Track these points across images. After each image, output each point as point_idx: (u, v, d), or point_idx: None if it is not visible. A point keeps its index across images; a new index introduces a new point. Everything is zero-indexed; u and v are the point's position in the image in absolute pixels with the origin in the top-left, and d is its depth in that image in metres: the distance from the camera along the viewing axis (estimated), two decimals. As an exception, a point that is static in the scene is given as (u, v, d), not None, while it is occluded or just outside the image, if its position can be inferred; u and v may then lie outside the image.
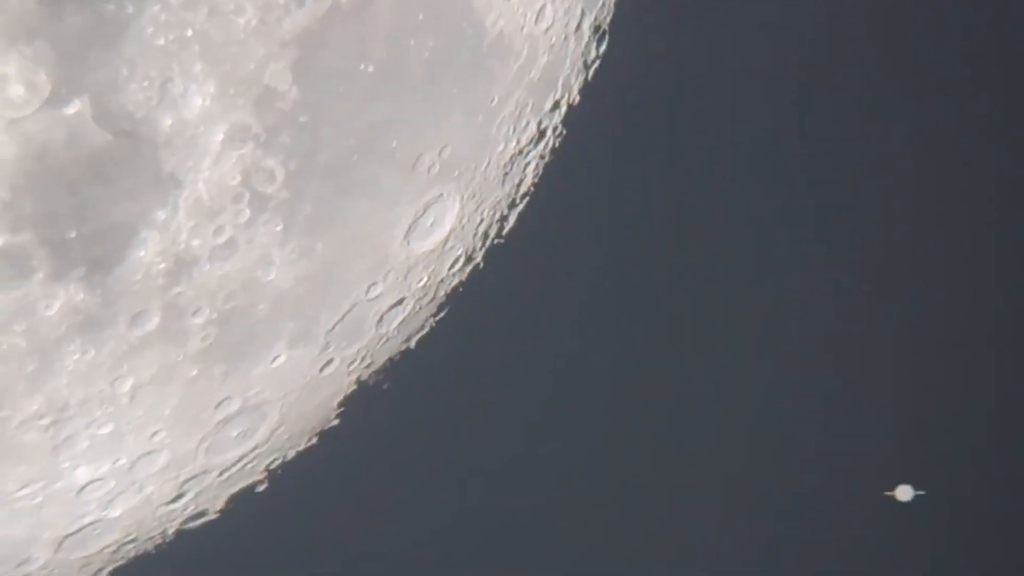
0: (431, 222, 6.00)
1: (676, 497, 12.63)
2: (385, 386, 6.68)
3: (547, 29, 5.97)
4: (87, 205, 5.21)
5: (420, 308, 6.42)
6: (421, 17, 5.47)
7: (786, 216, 12.57)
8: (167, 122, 5.09)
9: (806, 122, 12.49)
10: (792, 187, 12.63)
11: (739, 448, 12.83)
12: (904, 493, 11.50)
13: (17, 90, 5.01)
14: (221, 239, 5.42)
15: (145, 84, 5.06)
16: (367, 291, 5.96)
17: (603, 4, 6.62)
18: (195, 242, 5.35)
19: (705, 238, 12.63)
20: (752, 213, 12.54)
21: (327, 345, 6.03)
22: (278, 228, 5.46)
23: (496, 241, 6.53)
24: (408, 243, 5.98)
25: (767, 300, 12.73)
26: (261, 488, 6.72)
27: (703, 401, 12.74)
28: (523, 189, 6.51)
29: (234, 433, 6.05)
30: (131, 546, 6.59)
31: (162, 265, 5.33)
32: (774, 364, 12.82)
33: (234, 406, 5.89)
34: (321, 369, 6.14)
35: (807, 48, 12.15)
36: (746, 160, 12.31)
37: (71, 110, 5.03)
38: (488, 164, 6.17)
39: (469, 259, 6.50)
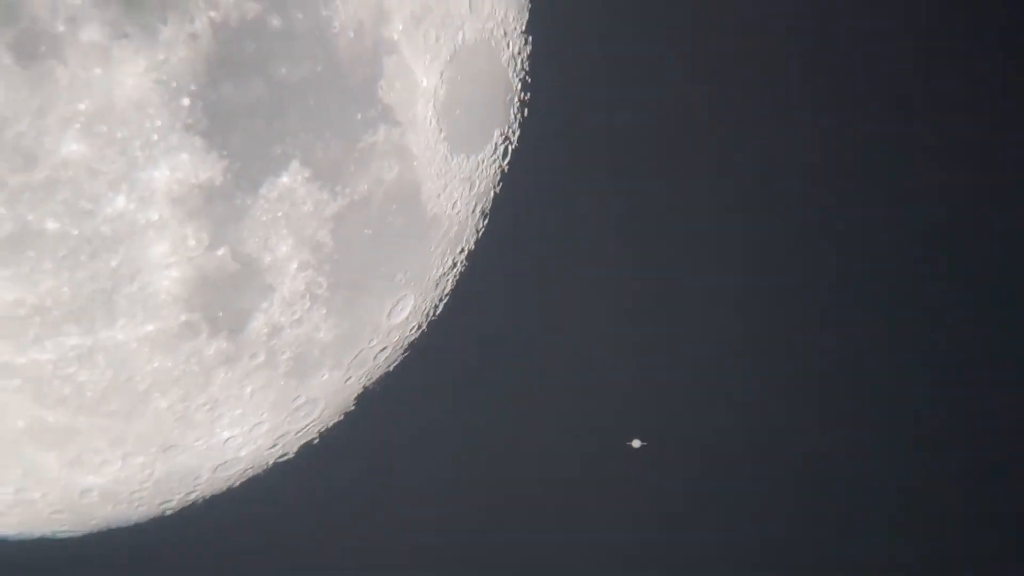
0: (401, 308, 8.28)
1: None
2: (378, 390, 8.69)
3: (457, 212, 8.22)
4: (228, 299, 7.54)
5: (396, 351, 8.60)
6: (394, 207, 7.75)
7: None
8: (268, 259, 7.48)
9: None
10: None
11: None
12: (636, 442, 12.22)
13: (192, 242, 7.24)
14: (295, 317, 7.76)
15: (256, 240, 7.45)
16: (369, 342, 8.26)
17: (491, 194, 8.60)
18: (283, 318, 7.73)
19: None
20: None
21: (348, 370, 8.26)
22: (324, 311, 7.87)
23: (432, 318, 8.67)
24: (389, 319, 8.25)
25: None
26: (316, 441, 8.77)
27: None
28: (446, 291, 8.65)
29: (302, 414, 8.35)
30: (249, 472, 8.66)
31: (265, 329, 7.73)
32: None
33: (301, 400, 8.23)
34: (346, 382, 8.39)
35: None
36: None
37: (219, 252, 7.35)
38: (427, 280, 8.36)
39: (419, 328, 8.68)
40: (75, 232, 6.98)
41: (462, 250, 8.36)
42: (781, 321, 14.90)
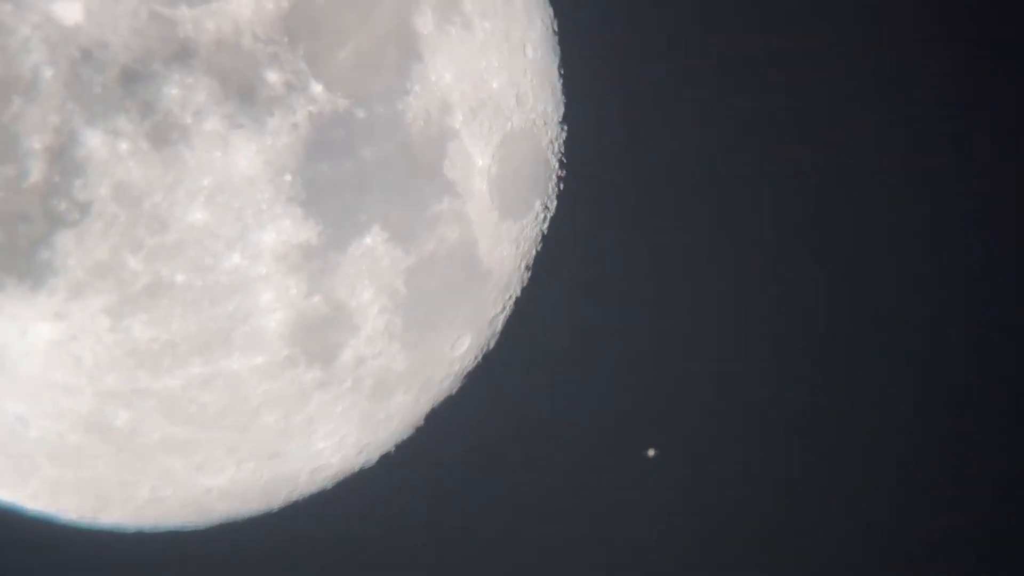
0: (461, 343, 8.36)
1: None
2: (442, 410, 8.73)
3: (506, 266, 8.43)
4: (321, 337, 7.68)
5: (456, 379, 8.69)
6: (455, 262, 7.94)
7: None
8: (353, 304, 7.64)
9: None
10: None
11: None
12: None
13: (293, 291, 7.40)
14: (376, 350, 7.83)
15: (345, 289, 7.63)
16: (435, 371, 8.34)
17: (533, 251, 8.65)
18: (366, 352, 7.79)
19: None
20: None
21: (418, 394, 8.32)
22: (398, 346, 7.86)
23: (486, 351, 8.77)
24: (451, 352, 8.30)
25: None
26: (392, 451, 8.84)
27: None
28: (497, 329, 8.82)
29: (381, 429, 8.41)
30: (339, 475, 8.72)
31: (352, 361, 7.81)
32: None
33: (380, 417, 8.23)
34: (416, 403, 8.45)
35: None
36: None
37: (315, 299, 7.51)
38: (482, 321, 8.50)
39: (475, 359, 8.71)
40: (199, 283, 7.20)
41: (510, 296, 8.47)
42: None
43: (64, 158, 6.72)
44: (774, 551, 13.48)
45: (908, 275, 13.73)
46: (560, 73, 8.54)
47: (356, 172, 7.32)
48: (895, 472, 13.54)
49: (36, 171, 6.73)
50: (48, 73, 6.70)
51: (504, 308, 8.54)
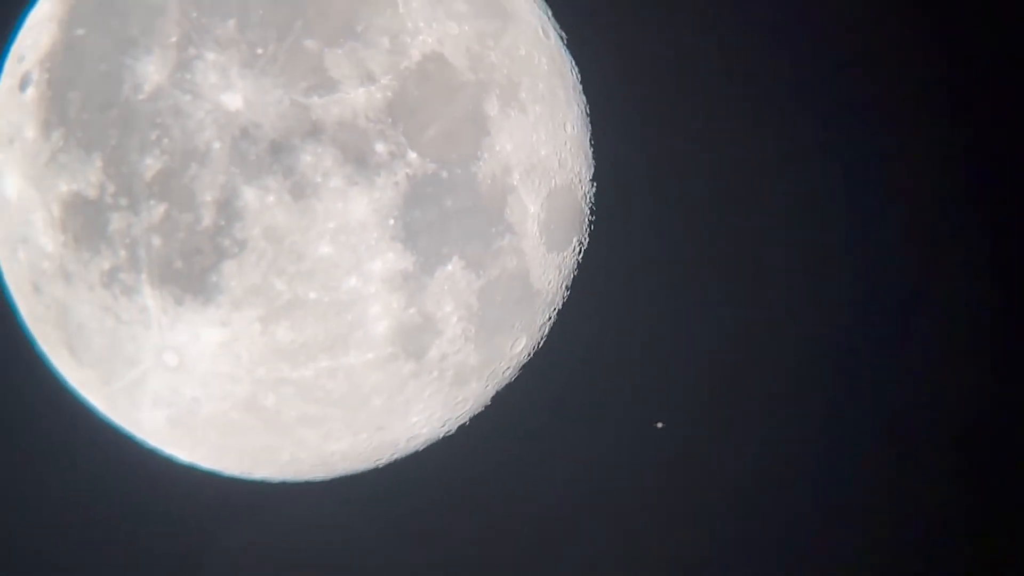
0: (518, 343, 8.27)
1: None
2: (505, 393, 8.61)
3: (551, 286, 8.24)
4: (415, 339, 7.69)
5: (515, 370, 8.56)
6: (514, 284, 7.89)
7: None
8: (439, 315, 7.67)
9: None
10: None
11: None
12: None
13: (395, 305, 7.43)
14: (455, 349, 7.78)
15: (433, 304, 7.57)
16: (499, 364, 8.30)
17: (571, 275, 8.56)
18: (448, 350, 7.73)
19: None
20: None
21: (487, 381, 8.29)
22: (472, 346, 7.81)
23: (537, 349, 8.61)
24: (511, 350, 8.27)
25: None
26: (467, 423, 8.75)
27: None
28: (545, 333, 8.60)
29: (460, 408, 8.34)
30: (428, 441, 8.65)
31: (438, 357, 7.75)
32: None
33: (459, 399, 8.15)
34: (485, 388, 8.38)
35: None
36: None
37: (411, 311, 7.52)
38: (534, 327, 8.40)
39: (529, 355, 8.57)
40: (326, 299, 7.27)
41: (554, 309, 8.45)
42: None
43: (228, 208, 6.89)
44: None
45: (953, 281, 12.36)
46: (591, 144, 8.52)
47: (441, 217, 7.29)
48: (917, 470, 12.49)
49: (207, 217, 6.90)
50: (216, 146, 6.89)
51: (550, 318, 8.48)
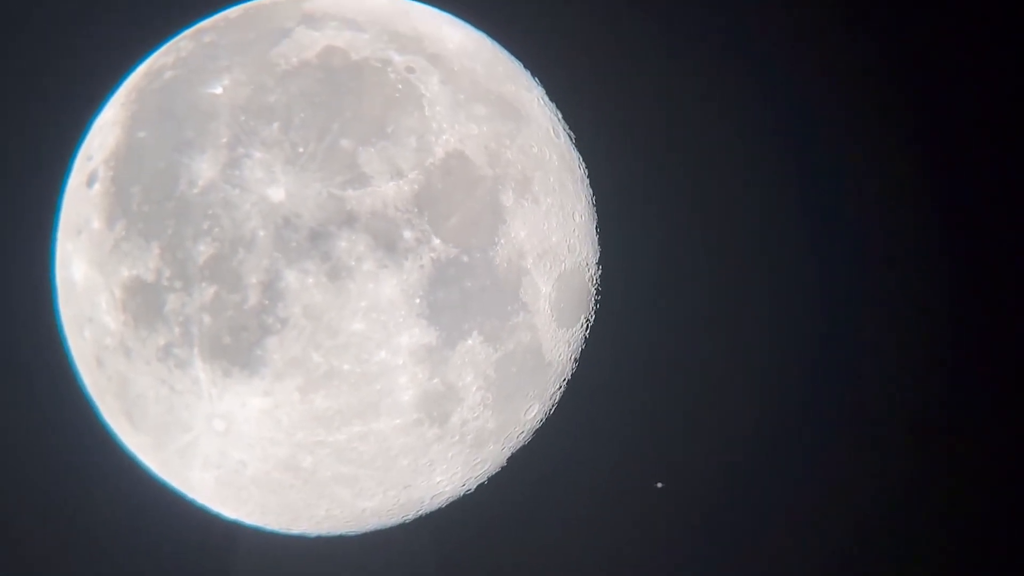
0: (531, 410, 8.18)
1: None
2: (519, 455, 8.47)
3: (561, 359, 8.19)
4: (439, 406, 7.65)
5: (528, 434, 8.43)
6: (527, 356, 7.83)
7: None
8: (460, 384, 7.60)
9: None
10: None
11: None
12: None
13: (420, 376, 7.39)
14: (475, 416, 7.72)
15: (454, 374, 7.54)
16: (514, 429, 8.16)
17: (579, 349, 8.49)
18: (468, 416, 7.68)
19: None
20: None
21: (503, 444, 8.18)
22: (490, 413, 7.75)
23: (548, 415, 8.47)
24: (525, 416, 8.17)
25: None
26: (485, 482, 8.61)
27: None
28: (555, 401, 8.44)
29: (479, 468, 8.26)
30: (450, 499, 8.53)
31: (459, 422, 7.69)
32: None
33: (478, 460, 8.09)
34: (502, 450, 8.28)
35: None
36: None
37: (434, 381, 7.52)
38: (545, 395, 8.27)
39: (541, 421, 8.45)
40: (358, 370, 7.30)
41: (564, 380, 8.42)
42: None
43: (271, 289, 6.96)
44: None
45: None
46: (597, 231, 8.56)
47: (462, 297, 7.30)
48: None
49: (253, 297, 6.99)
50: (261, 233, 7.01)
51: (560, 387, 8.43)
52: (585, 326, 8.54)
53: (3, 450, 10.55)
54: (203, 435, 7.46)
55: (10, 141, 10.00)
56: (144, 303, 7.17)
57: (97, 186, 7.52)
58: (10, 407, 10.40)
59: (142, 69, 7.97)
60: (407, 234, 7.11)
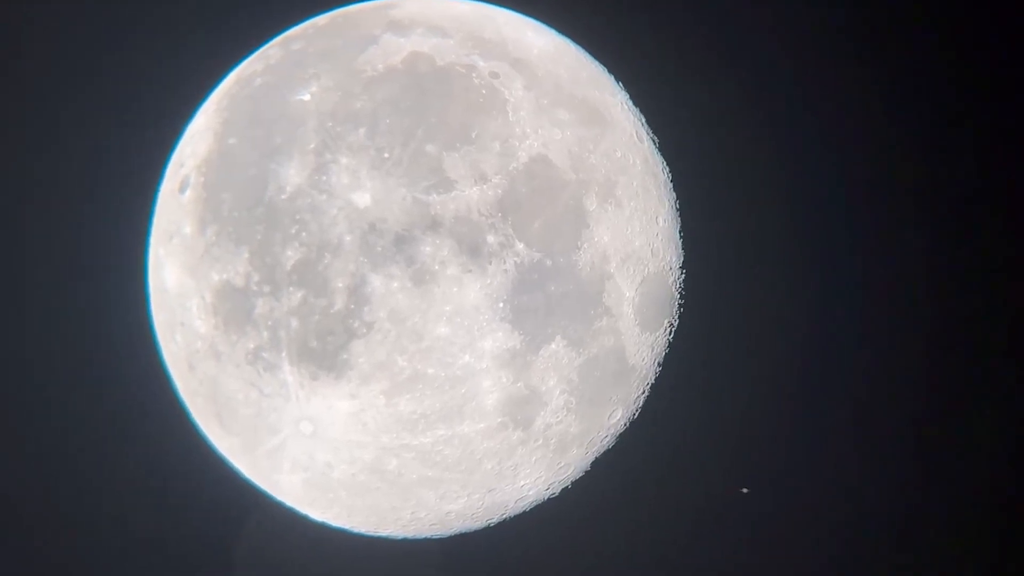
0: (615, 415, 8.08)
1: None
2: (602, 459, 8.36)
3: (644, 363, 8.08)
4: (522, 410, 7.66)
5: (612, 438, 8.34)
6: (610, 360, 7.78)
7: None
8: (543, 388, 7.59)
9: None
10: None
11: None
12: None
13: (504, 380, 7.43)
14: (558, 419, 7.70)
15: (538, 378, 7.53)
16: (598, 433, 8.09)
17: (663, 353, 8.34)
18: (552, 420, 7.66)
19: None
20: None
21: (587, 448, 8.12)
22: (573, 417, 7.71)
23: (632, 420, 8.36)
24: (608, 420, 8.09)
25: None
26: (569, 486, 8.52)
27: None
28: (639, 406, 8.32)
29: (563, 472, 8.16)
30: (535, 502, 8.50)
31: (543, 426, 7.68)
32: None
33: (562, 465, 8.00)
34: (586, 455, 8.21)
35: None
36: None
37: (518, 385, 7.50)
38: (629, 399, 8.20)
39: (624, 425, 8.34)
40: (443, 374, 7.32)
41: (647, 383, 8.35)
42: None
43: (357, 293, 7.01)
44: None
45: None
46: (680, 235, 8.50)
47: (545, 301, 7.31)
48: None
49: (339, 302, 7.04)
50: (348, 238, 7.08)
51: (643, 391, 8.37)
52: (668, 330, 8.46)
53: (99, 451, 10.67)
54: (291, 438, 7.51)
55: (106, 148, 10.13)
56: (234, 307, 7.24)
57: (189, 192, 7.62)
58: (106, 409, 10.50)
59: (233, 76, 8.08)
60: (491, 239, 7.12)
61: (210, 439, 8.31)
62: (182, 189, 7.71)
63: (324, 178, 7.05)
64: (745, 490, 11.46)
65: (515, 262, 7.17)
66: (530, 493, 8.39)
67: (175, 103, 8.45)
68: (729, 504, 11.56)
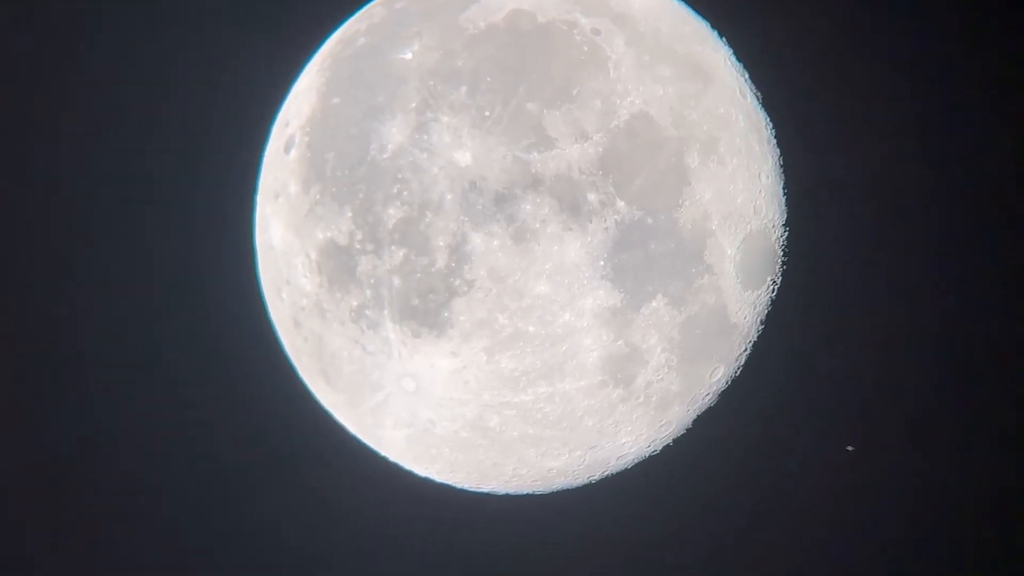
0: (716, 373, 8.05)
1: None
2: (703, 417, 8.38)
3: (747, 321, 8.04)
4: (623, 367, 7.65)
5: (713, 396, 8.32)
6: (712, 318, 7.75)
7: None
8: (644, 346, 7.60)
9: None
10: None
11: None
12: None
13: (604, 338, 7.40)
14: (659, 377, 7.69)
15: (638, 336, 7.50)
16: (699, 391, 8.11)
17: (765, 311, 8.26)
18: (653, 378, 7.66)
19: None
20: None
21: (688, 406, 8.13)
22: (674, 375, 7.70)
23: (734, 377, 8.36)
24: (710, 378, 8.07)
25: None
26: (671, 444, 8.47)
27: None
28: (740, 363, 8.34)
29: (664, 430, 8.17)
30: (635, 460, 8.48)
31: (643, 384, 7.68)
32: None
33: (663, 422, 8.02)
34: (687, 412, 8.21)
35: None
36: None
37: (619, 343, 7.47)
38: (730, 357, 8.19)
39: (726, 382, 8.37)
40: (543, 332, 7.33)
41: (750, 341, 8.29)
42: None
43: (458, 251, 7.06)
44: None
45: None
46: (784, 192, 8.41)
47: (646, 259, 7.28)
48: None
49: (440, 260, 7.10)
50: (449, 197, 7.08)
51: (746, 349, 8.35)
52: (771, 288, 8.39)
53: (208, 404, 10.98)
54: (394, 394, 7.59)
55: (214, 109, 10.45)
56: (337, 265, 7.34)
57: (294, 151, 7.71)
58: (215, 366, 10.82)
59: (336, 36, 8.15)
60: (591, 197, 7.07)
61: (316, 395, 8.42)
62: (287, 149, 7.81)
63: (425, 137, 7.07)
64: (850, 448, 11.44)
65: (616, 220, 7.11)
66: (631, 451, 8.37)
67: (282, 62, 8.57)
68: (834, 463, 11.55)
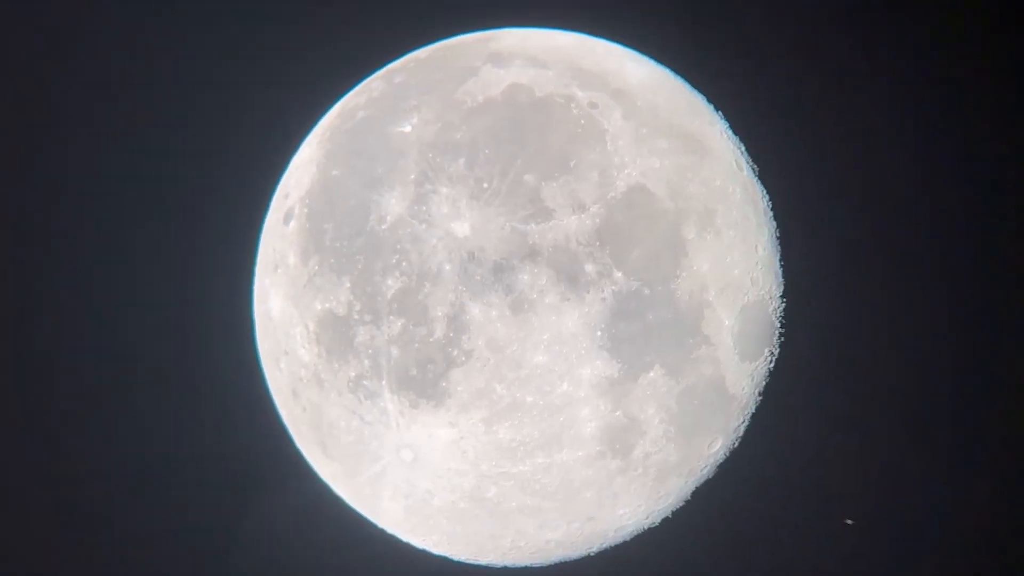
0: (714, 444, 7.94)
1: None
2: (703, 489, 8.25)
3: (744, 392, 7.93)
4: (621, 439, 7.57)
5: (711, 468, 8.21)
6: (709, 390, 7.65)
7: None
8: (642, 417, 7.51)
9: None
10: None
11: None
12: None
13: (602, 408, 7.33)
14: (657, 448, 7.59)
15: (636, 407, 7.42)
16: (697, 462, 7.94)
17: (763, 382, 8.18)
18: (651, 449, 7.53)
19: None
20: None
21: (686, 478, 8.01)
22: (672, 446, 7.58)
23: (732, 449, 8.23)
24: (708, 450, 7.94)
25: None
26: (669, 516, 8.39)
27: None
28: (739, 435, 8.20)
29: (662, 502, 8.04)
30: (633, 532, 8.37)
31: (641, 455, 7.58)
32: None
33: (661, 494, 7.89)
34: (685, 484, 8.07)
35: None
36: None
37: (617, 413, 7.37)
38: (729, 429, 8.09)
39: (724, 454, 8.19)
40: (541, 402, 7.29)
41: (748, 413, 8.25)
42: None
43: (456, 321, 7.04)
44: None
45: None
46: (780, 264, 8.42)
47: (643, 330, 7.25)
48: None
49: (439, 330, 7.08)
50: (447, 267, 7.12)
51: (743, 420, 8.29)
52: (769, 359, 8.36)
53: (204, 474, 10.84)
54: (392, 465, 7.57)
55: (214, 179, 10.56)
56: (336, 336, 7.33)
57: (293, 223, 7.76)
58: (212, 435, 10.70)
59: (336, 109, 8.23)
60: (589, 267, 7.09)
61: (313, 465, 8.40)
62: (286, 220, 7.86)
63: (424, 208, 7.11)
64: (849, 521, 11.26)
65: (613, 291, 7.11)
66: (630, 522, 8.30)
67: (281, 135, 8.67)
68: (833, 536, 11.37)
